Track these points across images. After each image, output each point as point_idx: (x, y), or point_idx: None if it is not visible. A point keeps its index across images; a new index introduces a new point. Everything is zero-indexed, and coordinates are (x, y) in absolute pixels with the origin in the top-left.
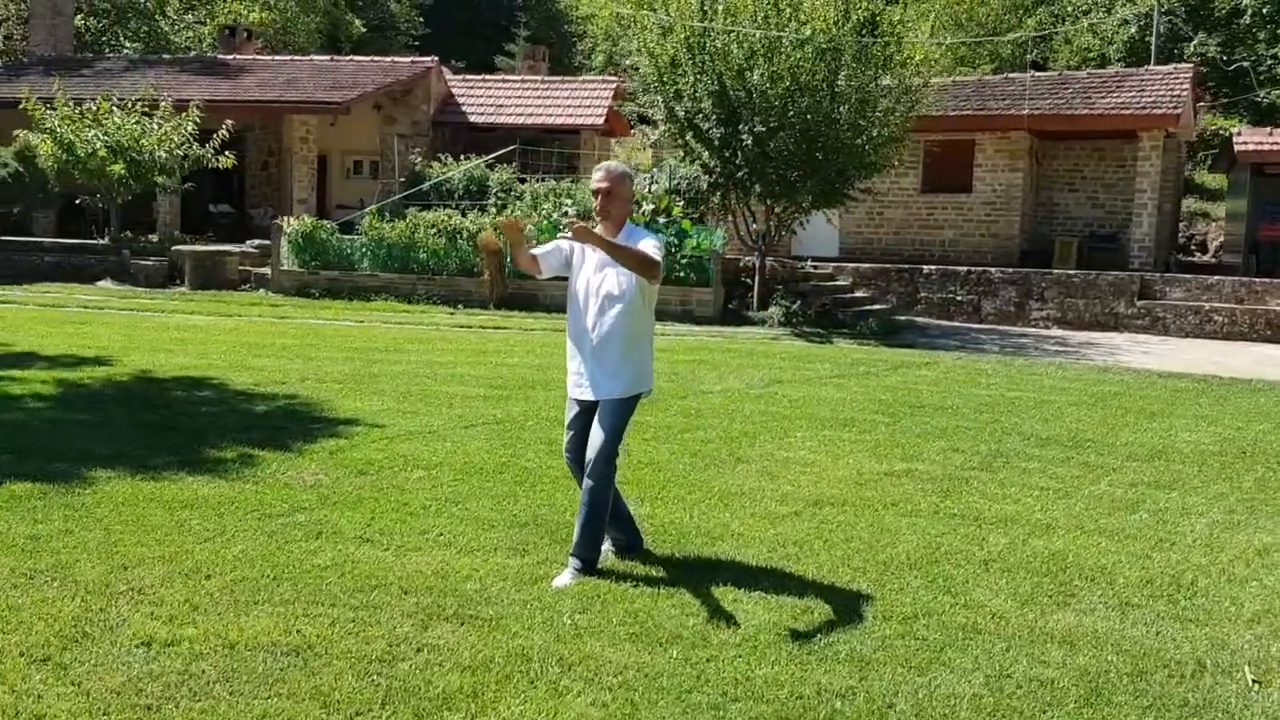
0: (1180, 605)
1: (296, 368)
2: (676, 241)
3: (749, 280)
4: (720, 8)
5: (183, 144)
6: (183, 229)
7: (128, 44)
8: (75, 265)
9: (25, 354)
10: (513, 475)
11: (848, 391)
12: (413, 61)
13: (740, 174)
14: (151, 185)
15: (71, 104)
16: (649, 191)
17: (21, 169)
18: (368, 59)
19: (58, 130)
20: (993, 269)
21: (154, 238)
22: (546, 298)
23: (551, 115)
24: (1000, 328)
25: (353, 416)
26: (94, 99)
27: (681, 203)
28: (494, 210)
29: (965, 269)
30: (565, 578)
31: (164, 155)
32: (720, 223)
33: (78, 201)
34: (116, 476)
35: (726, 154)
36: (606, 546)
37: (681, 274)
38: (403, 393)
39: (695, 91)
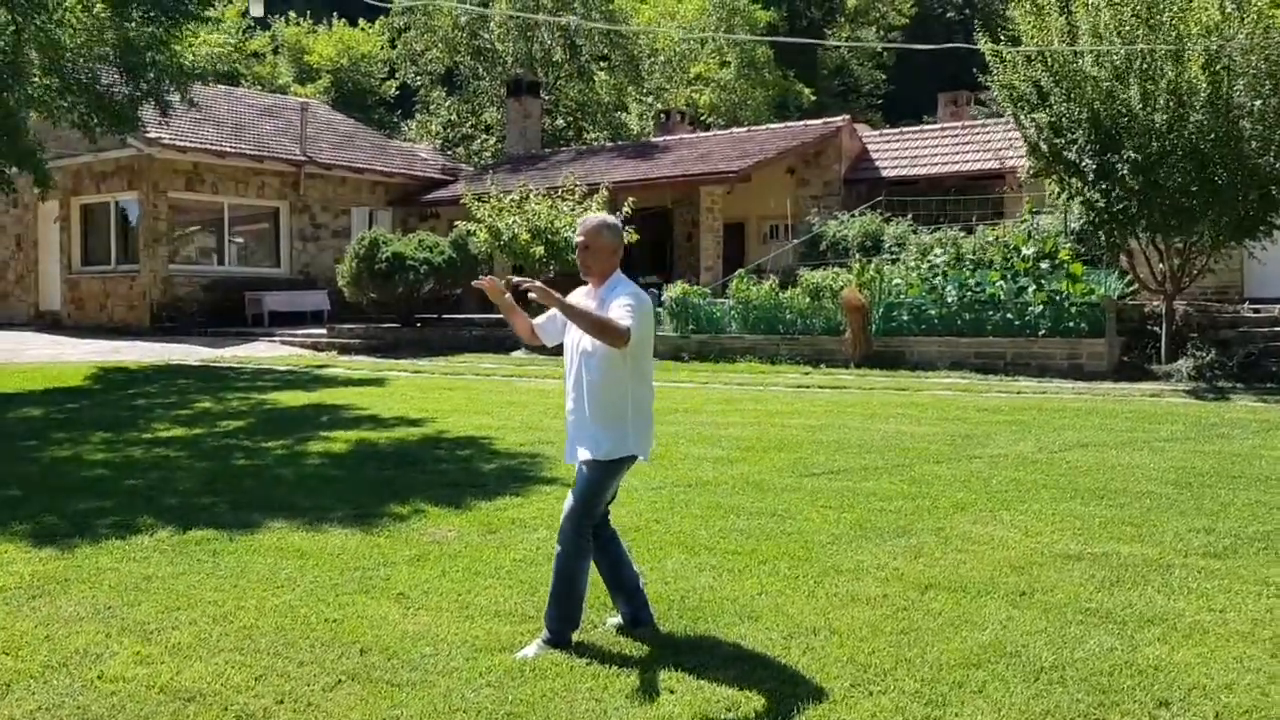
0: None
1: None
2: (1063, 290)
3: (1158, 329)
4: (1084, 27)
5: None
6: None
7: (591, 137)
8: (497, 338)
9: (365, 417)
10: (630, 539)
11: (1161, 458)
12: (824, 122)
13: (1118, 208)
14: (565, 263)
15: (501, 195)
16: (1029, 235)
17: (455, 255)
18: (781, 125)
19: (486, 219)
20: None
21: None
22: (913, 355)
23: (971, 161)
24: None
25: (561, 475)
26: (528, 189)
27: (1068, 244)
28: (858, 266)
29: None
30: (531, 649)
31: (571, 234)
32: (1114, 264)
33: None
34: (283, 528)
35: (1104, 186)
36: (613, 620)
37: (1070, 324)
38: None
39: (1062, 121)
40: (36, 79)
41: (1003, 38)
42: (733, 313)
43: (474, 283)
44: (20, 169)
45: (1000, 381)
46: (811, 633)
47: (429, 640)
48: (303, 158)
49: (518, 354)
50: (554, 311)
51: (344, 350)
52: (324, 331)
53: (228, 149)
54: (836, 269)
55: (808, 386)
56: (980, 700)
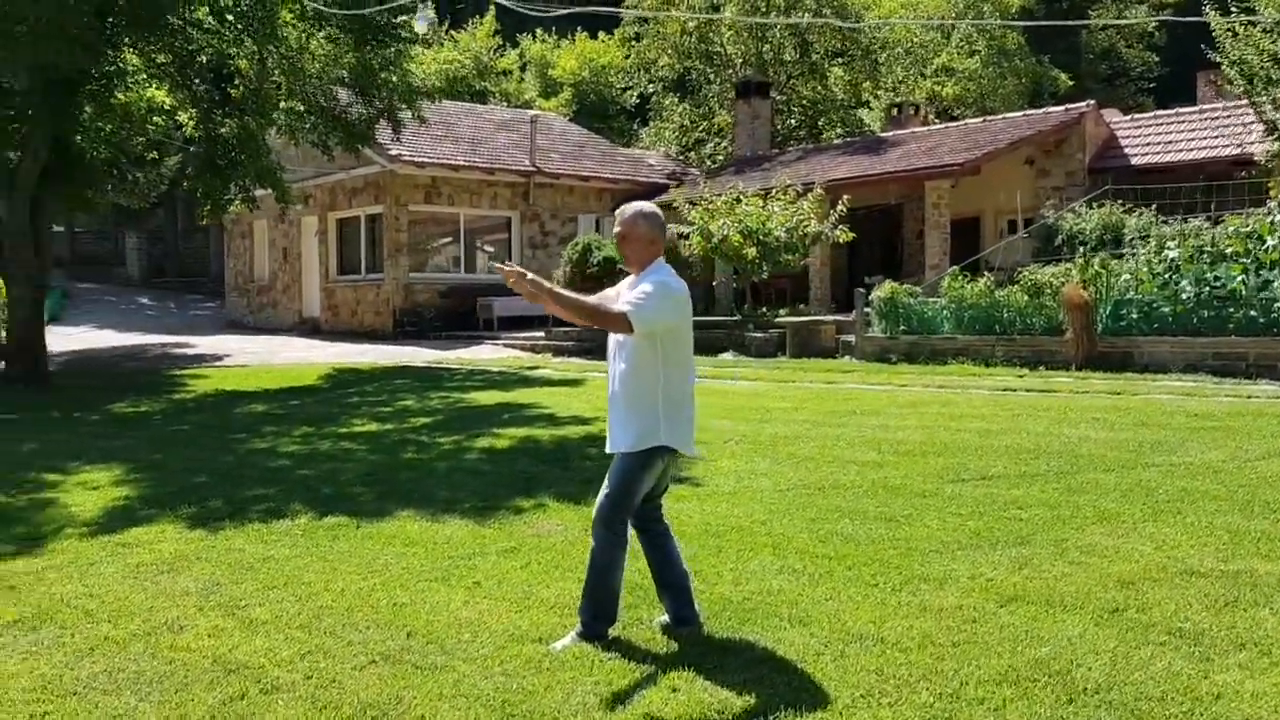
0: None
1: (741, 429)
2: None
3: None
4: None
5: (801, 222)
6: (841, 300)
7: (827, 136)
8: (707, 340)
9: (542, 415)
10: (724, 540)
11: None
12: (1065, 109)
13: None
14: (777, 264)
15: (713, 197)
16: (1273, 224)
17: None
18: (1020, 114)
19: (698, 222)
20: None
21: (783, 311)
22: (1142, 356)
23: (1233, 146)
24: None
25: (696, 475)
26: (738, 190)
27: None
28: (1081, 261)
29: None
30: (565, 640)
31: (783, 235)
32: None
33: (714, 284)
34: (409, 517)
35: None
36: (661, 618)
37: None
38: (791, 455)
39: None
40: (281, 104)
41: (1234, 9)
42: (944, 312)
43: (493, 266)
44: (262, 186)
45: (1235, 385)
46: (855, 640)
47: (472, 628)
48: (531, 168)
49: (725, 355)
50: (599, 296)
51: (558, 353)
52: (542, 335)
53: (461, 162)
54: (1068, 265)
55: (1014, 389)
56: (990, 718)
